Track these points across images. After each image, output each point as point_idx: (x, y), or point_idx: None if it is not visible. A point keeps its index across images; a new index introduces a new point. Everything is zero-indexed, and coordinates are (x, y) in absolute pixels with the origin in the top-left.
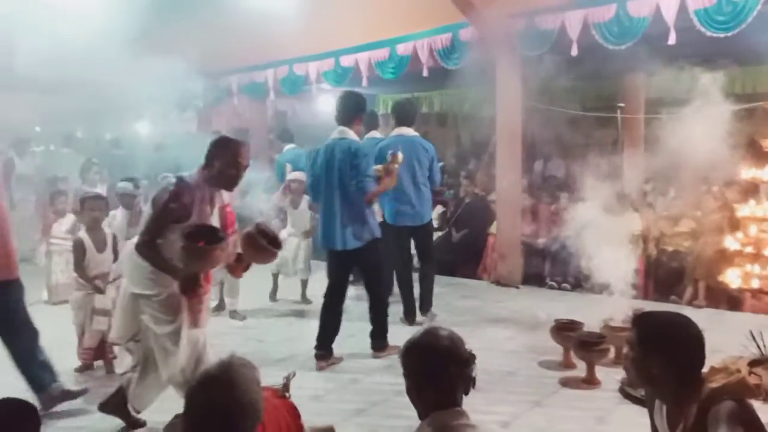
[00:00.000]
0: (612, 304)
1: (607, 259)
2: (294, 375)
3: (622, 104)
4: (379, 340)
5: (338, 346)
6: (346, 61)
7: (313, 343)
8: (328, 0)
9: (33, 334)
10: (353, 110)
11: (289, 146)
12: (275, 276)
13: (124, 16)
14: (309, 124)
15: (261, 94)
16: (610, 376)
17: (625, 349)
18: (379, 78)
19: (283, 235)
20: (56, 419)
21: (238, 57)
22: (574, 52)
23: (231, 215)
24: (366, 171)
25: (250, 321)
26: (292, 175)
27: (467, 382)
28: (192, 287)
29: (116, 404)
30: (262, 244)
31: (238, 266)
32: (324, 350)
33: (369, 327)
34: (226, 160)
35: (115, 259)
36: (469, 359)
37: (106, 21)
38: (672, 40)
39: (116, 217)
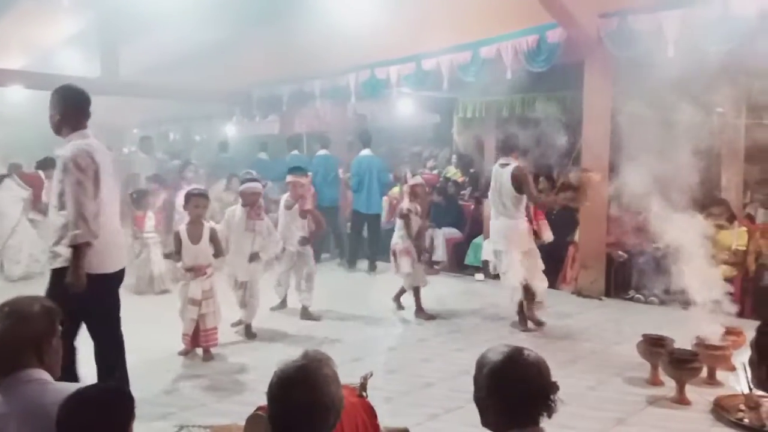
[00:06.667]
0: (704, 322)
1: (702, 274)
2: (371, 375)
3: (720, 109)
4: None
5: (413, 351)
6: (428, 64)
7: (389, 347)
8: (411, 4)
9: None
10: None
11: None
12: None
13: (217, 27)
14: (387, 127)
15: (342, 97)
16: (702, 396)
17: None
18: (460, 81)
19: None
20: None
21: (323, 62)
22: (671, 53)
23: None
24: None
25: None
26: (415, 180)
27: (549, 409)
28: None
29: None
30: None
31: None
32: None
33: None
34: None
35: (217, 252)
36: (553, 388)
37: (201, 32)
38: None
39: (236, 214)
